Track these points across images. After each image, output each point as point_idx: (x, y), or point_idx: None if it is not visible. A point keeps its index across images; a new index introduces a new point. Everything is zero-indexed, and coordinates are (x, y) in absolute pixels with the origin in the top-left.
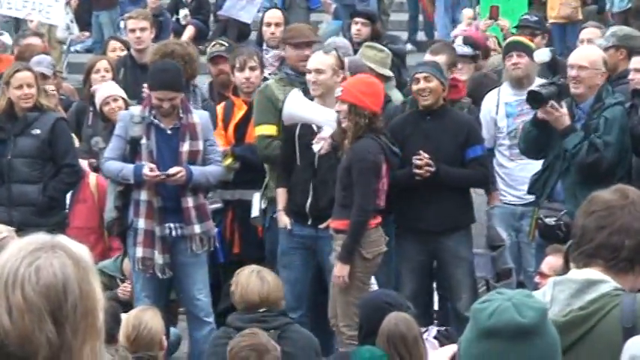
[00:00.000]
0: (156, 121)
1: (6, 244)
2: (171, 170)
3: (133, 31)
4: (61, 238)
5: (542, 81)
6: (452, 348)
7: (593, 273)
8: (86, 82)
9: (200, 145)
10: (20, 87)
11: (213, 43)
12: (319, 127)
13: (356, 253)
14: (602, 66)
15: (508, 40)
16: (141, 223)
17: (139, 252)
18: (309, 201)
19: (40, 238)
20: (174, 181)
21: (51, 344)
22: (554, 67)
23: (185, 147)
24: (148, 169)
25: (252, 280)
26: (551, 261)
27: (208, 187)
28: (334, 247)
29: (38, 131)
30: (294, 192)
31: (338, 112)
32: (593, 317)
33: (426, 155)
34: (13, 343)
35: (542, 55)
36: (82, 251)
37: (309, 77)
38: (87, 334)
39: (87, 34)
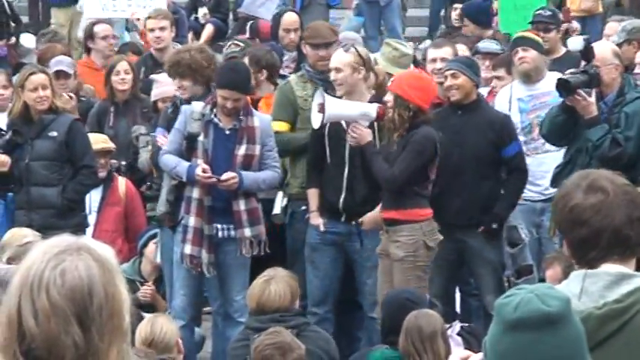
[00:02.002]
0: (215, 119)
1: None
2: (224, 176)
3: (152, 30)
4: (86, 240)
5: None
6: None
7: (621, 267)
8: (107, 83)
9: (257, 150)
10: (35, 89)
11: (229, 43)
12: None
13: (421, 244)
14: (614, 59)
15: (514, 37)
16: (191, 221)
17: (188, 249)
18: (342, 197)
19: (64, 240)
20: (226, 186)
21: (77, 347)
22: (587, 56)
23: (241, 150)
24: (201, 169)
25: (256, 286)
26: (551, 274)
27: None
28: (394, 239)
29: (55, 133)
30: (327, 190)
31: (386, 102)
32: (630, 310)
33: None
34: (39, 346)
35: (576, 43)
36: (107, 253)
37: (331, 76)
38: (113, 336)
39: None
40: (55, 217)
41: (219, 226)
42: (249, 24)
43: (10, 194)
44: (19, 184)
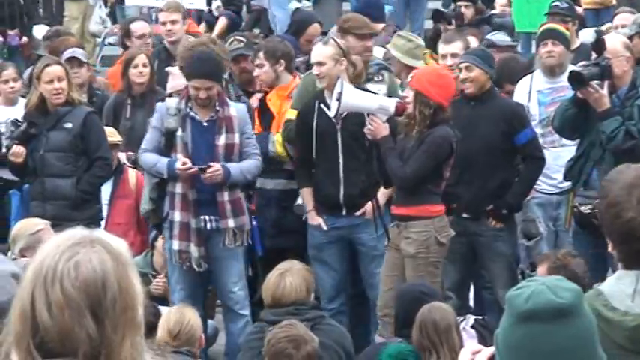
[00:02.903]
0: (192, 113)
1: (42, 237)
2: (211, 168)
3: (164, 23)
4: (100, 233)
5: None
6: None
7: None
8: (124, 75)
9: (237, 139)
10: (51, 81)
11: (231, 40)
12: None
13: (432, 240)
14: (624, 52)
15: (543, 28)
16: (176, 216)
17: (175, 245)
18: (341, 191)
19: (78, 232)
20: (210, 179)
21: (91, 339)
22: (598, 48)
23: (221, 140)
24: (181, 163)
25: (271, 279)
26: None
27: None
28: (405, 235)
29: (70, 125)
30: (324, 185)
31: (405, 97)
32: None
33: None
34: (53, 339)
35: (587, 35)
36: (121, 246)
37: (314, 70)
38: (127, 329)
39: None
40: (69, 208)
41: (206, 217)
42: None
43: (26, 186)
44: (33, 175)
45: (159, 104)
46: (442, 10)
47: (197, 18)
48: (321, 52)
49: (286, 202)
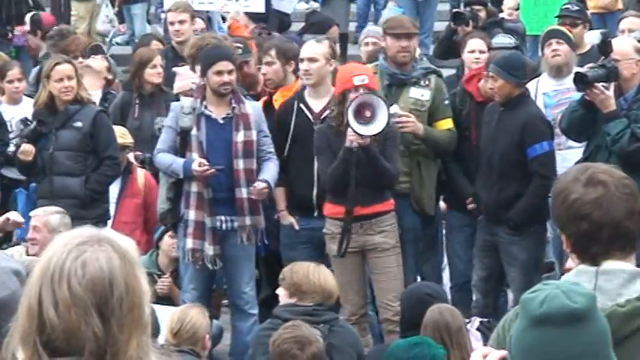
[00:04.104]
0: (207, 111)
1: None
2: (258, 185)
3: (172, 23)
4: (107, 232)
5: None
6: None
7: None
8: (136, 75)
9: (254, 135)
10: (61, 80)
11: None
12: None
13: (397, 230)
14: (634, 55)
15: (547, 29)
16: (191, 215)
17: (189, 243)
18: (314, 191)
19: (86, 231)
20: (257, 194)
21: (97, 338)
22: (604, 50)
23: (240, 137)
24: (197, 164)
25: (315, 273)
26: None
27: None
28: (379, 230)
29: (80, 124)
30: (296, 185)
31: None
32: None
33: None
34: (59, 337)
35: (593, 37)
36: (129, 245)
37: (301, 66)
38: (133, 328)
39: (126, 26)
40: (78, 207)
41: (222, 217)
42: (29, 15)
43: (33, 184)
44: (42, 173)
45: (174, 103)
46: (461, 11)
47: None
48: (315, 48)
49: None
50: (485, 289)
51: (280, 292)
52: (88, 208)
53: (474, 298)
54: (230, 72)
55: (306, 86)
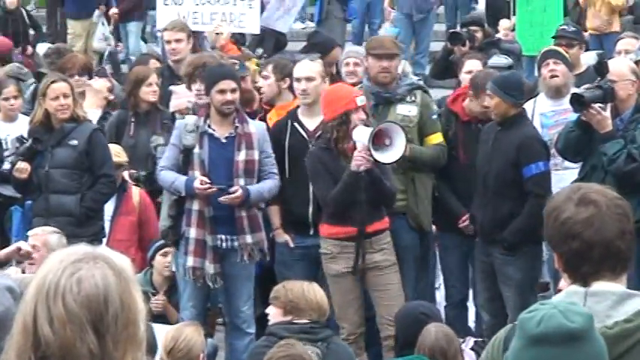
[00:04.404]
0: (210, 130)
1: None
2: (232, 189)
3: (168, 42)
4: (103, 249)
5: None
6: None
7: (618, 286)
8: (131, 93)
9: (256, 155)
10: (57, 98)
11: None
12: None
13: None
14: (631, 76)
15: (544, 50)
16: (192, 233)
17: (190, 261)
18: (310, 210)
19: (81, 249)
20: (230, 200)
21: (92, 355)
22: (600, 71)
23: (241, 156)
24: (199, 182)
25: (310, 291)
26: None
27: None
28: (379, 248)
29: (75, 142)
30: (292, 204)
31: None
32: None
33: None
34: (54, 353)
35: (589, 58)
36: (124, 262)
37: (298, 86)
38: (128, 345)
39: (122, 44)
40: (73, 225)
41: (222, 236)
42: None
43: (29, 202)
44: (38, 191)
45: (178, 121)
46: (458, 31)
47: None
48: (311, 67)
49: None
50: (493, 310)
51: (271, 310)
52: (83, 226)
53: (484, 319)
54: (233, 90)
55: (301, 105)
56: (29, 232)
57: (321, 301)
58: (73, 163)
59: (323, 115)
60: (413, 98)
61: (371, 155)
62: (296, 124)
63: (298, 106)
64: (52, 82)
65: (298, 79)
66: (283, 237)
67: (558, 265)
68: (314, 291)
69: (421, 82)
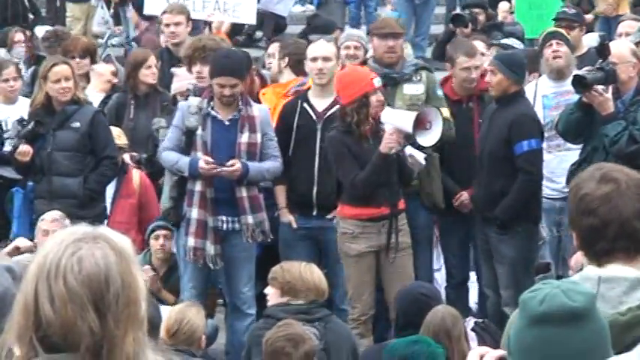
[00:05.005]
0: (213, 112)
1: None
2: (229, 162)
3: (167, 25)
4: (104, 229)
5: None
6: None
7: (630, 270)
8: (130, 76)
9: (258, 138)
10: (58, 81)
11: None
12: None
13: None
14: (631, 58)
15: (547, 31)
16: (194, 214)
17: (191, 242)
18: (314, 190)
19: (82, 228)
20: (228, 173)
21: (93, 334)
22: (602, 53)
23: (244, 138)
24: (204, 162)
25: (307, 271)
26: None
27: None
28: (399, 229)
29: (78, 124)
30: (297, 183)
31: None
32: None
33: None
34: (56, 333)
35: (591, 40)
36: (125, 242)
37: (314, 65)
38: (129, 324)
39: (122, 28)
40: (76, 207)
41: (224, 217)
42: None
43: (30, 184)
44: (40, 173)
45: (181, 103)
46: (460, 13)
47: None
48: (328, 48)
49: (269, 200)
50: (496, 287)
51: (269, 291)
52: (86, 208)
53: (490, 296)
54: (233, 86)
55: (314, 86)
56: (44, 216)
57: (318, 282)
58: (75, 145)
59: (340, 98)
60: (419, 77)
61: (411, 139)
62: (306, 105)
63: (309, 88)
64: (54, 64)
65: (315, 59)
66: (287, 217)
67: (576, 242)
68: (311, 271)
69: (426, 63)
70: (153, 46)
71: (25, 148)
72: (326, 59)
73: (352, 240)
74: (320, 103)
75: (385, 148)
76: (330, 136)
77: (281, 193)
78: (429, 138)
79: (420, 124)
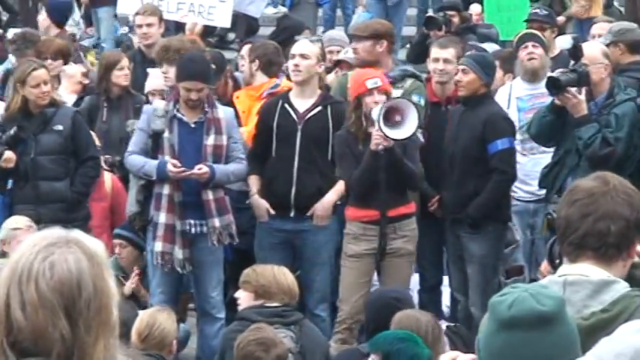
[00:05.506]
0: (179, 114)
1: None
2: (196, 167)
3: (140, 26)
4: (76, 234)
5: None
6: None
7: (597, 271)
8: (103, 78)
9: (224, 140)
10: (38, 85)
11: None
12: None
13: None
14: (603, 59)
15: (522, 32)
16: (161, 218)
17: (159, 246)
18: (293, 190)
19: (54, 233)
20: (197, 176)
21: (64, 340)
22: (575, 55)
23: (210, 141)
24: (172, 165)
25: (280, 274)
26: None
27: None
28: (402, 234)
29: (61, 127)
30: (275, 183)
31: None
32: (618, 319)
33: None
34: (26, 338)
35: (564, 42)
36: (97, 247)
37: (291, 62)
38: (100, 330)
39: (93, 29)
40: (65, 210)
41: (191, 221)
42: None
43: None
44: (23, 179)
45: (146, 106)
46: (434, 16)
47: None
48: (308, 46)
49: (241, 203)
50: (466, 291)
51: (241, 294)
52: (74, 211)
53: (461, 301)
54: (199, 90)
55: (294, 85)
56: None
57: (291, 285)
58: (59, 148)
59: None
60: (402, 84)
61: (385, 134)
62: (286, 105)
63: (284, 90)
64: (33, 69)
65: (293, 56)
66: (259, 202)
67: (557, 232)
68: (284, 275)
69: (415, 71)
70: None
71: (10, 155)
72: (303, 56)
73: (352, 241)
74: (301, 103)
75: (373, 145)
76: (336, 136)
77: (254, 181)
78: (402, 131)
79: (391, 115)
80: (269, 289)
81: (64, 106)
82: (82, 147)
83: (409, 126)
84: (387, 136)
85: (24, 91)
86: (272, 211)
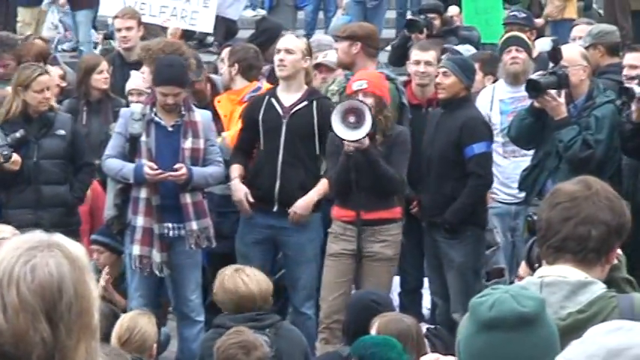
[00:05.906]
0: (156, 118)
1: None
2: (176, 166)
3: (119, 30)
4: (58, 237)
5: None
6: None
7: (574, 272)
8: (82, 82)
9: (201, 144)
10: (42, 91)
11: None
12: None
13: (400, 241)
14: (582, 61)
15: (507, 35)
16: (139, 221)
17: (137, 250)
18: (277, 184)
19: (36, 236)
20: (174, 177)
21: (45, 344)
22: (555, 57)
23: (187, 144)
24: (149, 167)
25: (236, 281)
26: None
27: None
28: (381, 238)
29: (63, 132)
30: (259, 176)
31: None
32: (594, 320)
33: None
34: (7, 342)
35: (544, 44)
36: (78, 251)
37: (277, 57)
38: (82, 334)
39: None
40: (64, 214)
41: (170, 225)
42: None
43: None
44: (25, 183)
45: (123, 110)
46: (415, 19)
47: None
48: (294, 41)
49: (224, 207)
50: (445, 295)
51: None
52: (72, 215)
53: (439, 304)
54: (176, 95)
55: (280, 80)
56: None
57: (263, 290)
58: (63, 152)
59: None
60: None
61: (336, 135)
62: (272, 100)
63: (277, 85)
64: (39, 74)
65: (278, 51)
66: (238, 186)
67: (538, 234)
68: (250, 278)
69: (392, 74)
70: None
71: (17, 158)
72: (288, 51)
73: (333, 240)
74: (287, 98)
75: (345, 145)
76: (329, 134)
77: (236, 169)
78: (357, 133)
79: (347, 116)
80: (238, 301)
81: (59, 112)
82: (79, 152)
83: (364, 127)
84: (341, 138)
85: (26, 95)
86: (250, 198)
